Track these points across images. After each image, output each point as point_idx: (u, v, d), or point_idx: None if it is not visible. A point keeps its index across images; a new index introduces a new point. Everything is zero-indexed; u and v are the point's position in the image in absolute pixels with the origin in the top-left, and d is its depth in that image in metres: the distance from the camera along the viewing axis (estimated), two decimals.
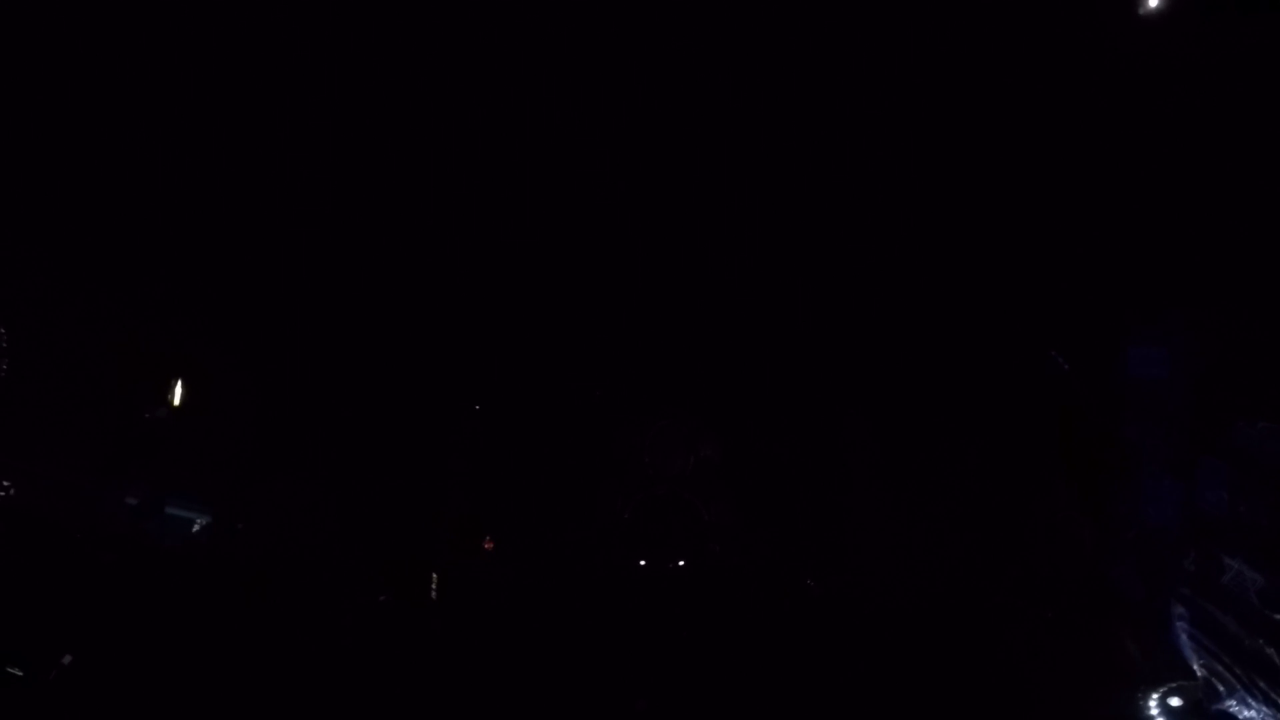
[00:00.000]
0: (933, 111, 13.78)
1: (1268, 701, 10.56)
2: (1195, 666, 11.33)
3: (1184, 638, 11.43)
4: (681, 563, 21.44)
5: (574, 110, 15.53)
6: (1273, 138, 11.71)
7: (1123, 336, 12.73)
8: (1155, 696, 11.47)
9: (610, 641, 16.46)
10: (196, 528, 17.02)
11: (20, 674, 11.39)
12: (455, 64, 15.04)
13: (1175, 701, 11.34)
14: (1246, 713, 10.78)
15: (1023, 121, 13.33)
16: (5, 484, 15.18)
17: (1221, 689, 11.01)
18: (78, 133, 14.88)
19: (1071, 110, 12.95)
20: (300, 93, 15.12)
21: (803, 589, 18.37)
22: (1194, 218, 11.91)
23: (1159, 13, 11.77)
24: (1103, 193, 12.72)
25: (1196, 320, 11.93)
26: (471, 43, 14.74)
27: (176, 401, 16.59)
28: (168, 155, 15.49)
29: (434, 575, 18.14)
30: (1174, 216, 12.07)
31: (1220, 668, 10.98)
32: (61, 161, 15.08)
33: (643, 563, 21.70)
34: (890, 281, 15.51)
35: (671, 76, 14.88)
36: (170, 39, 14.31)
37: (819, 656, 15.24)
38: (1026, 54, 12.86)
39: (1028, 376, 14.15)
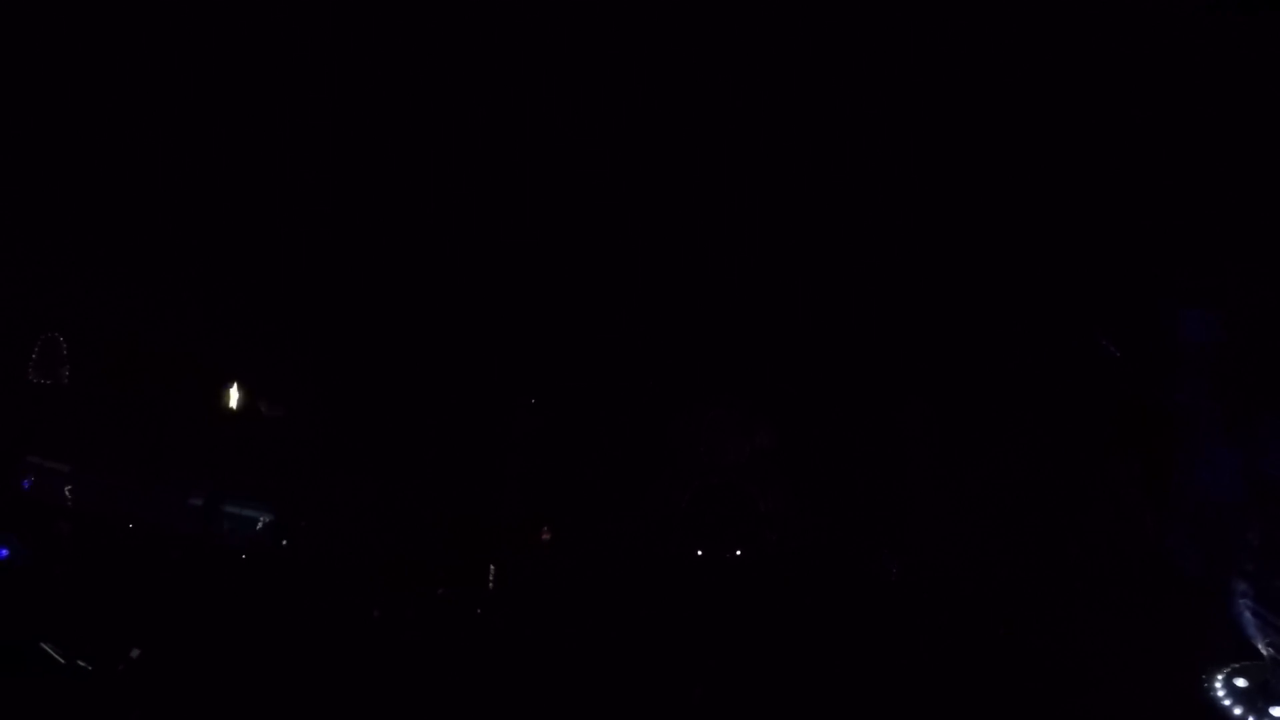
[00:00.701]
0: (980, 105, 13.34)
1: None
2: (1261, 646, 10.58)
3: (1248, 615, 10.68)
4: (739, 551, 21.30)
5: (622, 113, 15.59)
6: None
7: (1173, 297, 11.99)
8: (1220, 678, 10.75)
9: (667, 630, 16.45)
10: (260, 525, 17.72)
11: (90, 667, 11.99)
12: (504, 78, 15.27)
13: (1241, 683, 10.58)
14: None
15: (1061, 105, 12.76)
16: (70, 489, 16.14)
17: None
18: (129, 148, 15.59)
19: (1109, 87, 12.35)
20: (350, 109, 15.59)
21: (870, 574, 17.97)
22: (1240, 172, 11.14)
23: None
24: (1144, 154, 12.03)
25: (1250, 276, 11.13)
26: (513, 54, 14.96)
27: (238, 406, 17.34)
28: (226, 170, 16.12)
29: (492, 568, 18.45)
30: (1219, 173, 11.31)
31: None
32: (122, 175, 15.80)
33: (700, 552, 21.62)
34: (942, 269, 15.06)
35: (739, 78, 14.82)
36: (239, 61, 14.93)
37: (880, 637, 14.92)
38: (1057, 45, 12.34)
39: (1079, 356, 13.50)
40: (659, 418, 19.50)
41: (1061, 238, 13.05)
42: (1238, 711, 10.49)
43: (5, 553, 13.12)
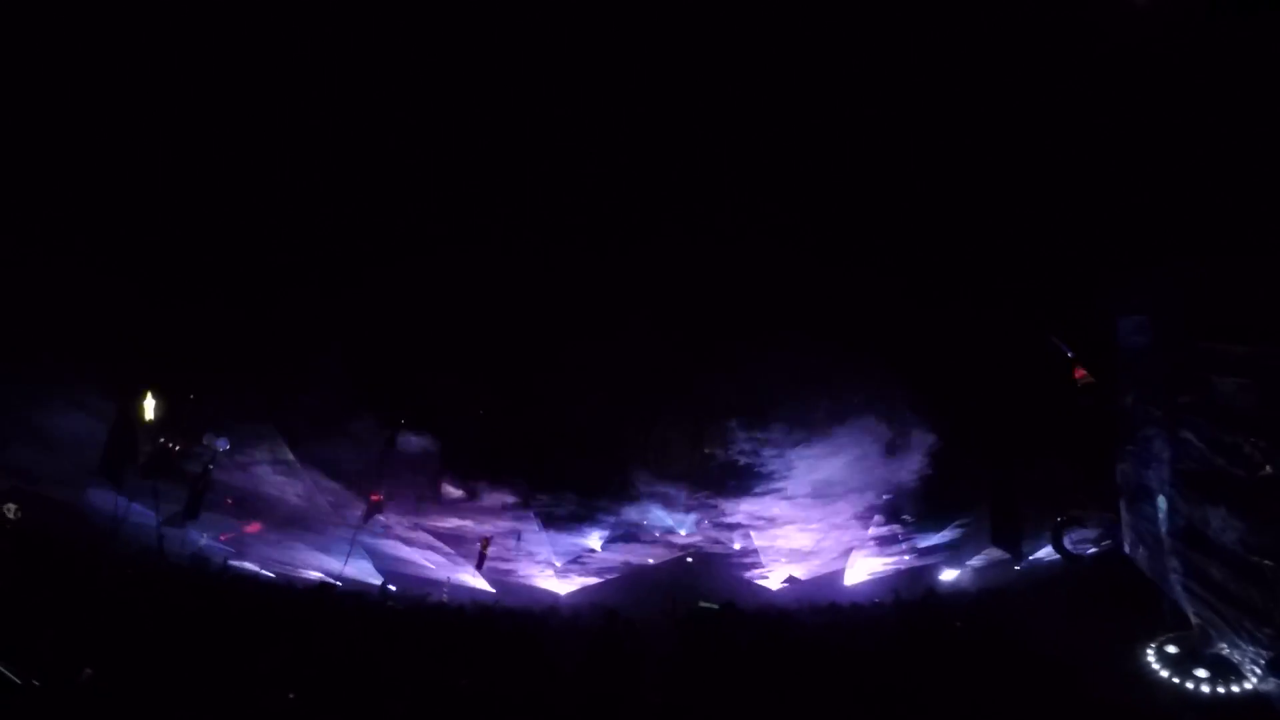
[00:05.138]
0: (926, 112, 14.19)
1: (1254, 641, 11.18)
2: (1191, 615, 11.92)
3: (1179, 589, 12.01)
4: (690, 560, 21.88)
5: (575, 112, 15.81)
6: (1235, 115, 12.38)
7: (1107, 306, 13.26)
8: (1153, 646, 12.06)
9: (621, 633, 16.82)
10: (202, 544, 17.16)
11: (39, 685, 11.38)
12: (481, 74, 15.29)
13: (1172, 649, 11.93)
14: (1237, 655, 11.39)
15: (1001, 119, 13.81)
16: (12, 506, 15.16)
17: (1214, 634, 11.62)
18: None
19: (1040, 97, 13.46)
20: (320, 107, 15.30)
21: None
22: (1177, 179, 12.45)
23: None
24: (1090, 165, 13.20)
25: (1174, 278, 12.44)
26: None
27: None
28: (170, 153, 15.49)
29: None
30: (1156, 180, 12.59)
31: (1212, 614, 11.58)
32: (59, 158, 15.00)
33: (651, 561, 22.09)
34: (896, 274, 15.93)
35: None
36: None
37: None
38: (1011, 58, 13.36)
39: (1033, 362, 14.68)
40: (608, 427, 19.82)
41: (1010, 250, 14.14)
42: (1166, 673, 11.82)
43: None
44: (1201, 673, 11.52)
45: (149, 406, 17.43)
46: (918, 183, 14.46)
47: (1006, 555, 18.71)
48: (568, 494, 22.08)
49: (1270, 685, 10.62)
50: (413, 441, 20.31)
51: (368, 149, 16.21)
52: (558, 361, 19.17)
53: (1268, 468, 11.26)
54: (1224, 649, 11.50)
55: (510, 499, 21.92)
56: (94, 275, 15.72)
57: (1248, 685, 11.21)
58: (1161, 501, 12.18)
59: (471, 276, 17.42)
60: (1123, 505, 13.10)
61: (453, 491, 21.63)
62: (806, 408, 20.39)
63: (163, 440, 17.65)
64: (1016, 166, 13.48)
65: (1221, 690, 11.23)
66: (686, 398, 20.46)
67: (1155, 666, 11.85)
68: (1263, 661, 10.69)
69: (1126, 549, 13.03)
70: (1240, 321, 11.75)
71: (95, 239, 15.96)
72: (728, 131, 15.30)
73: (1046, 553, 17.77)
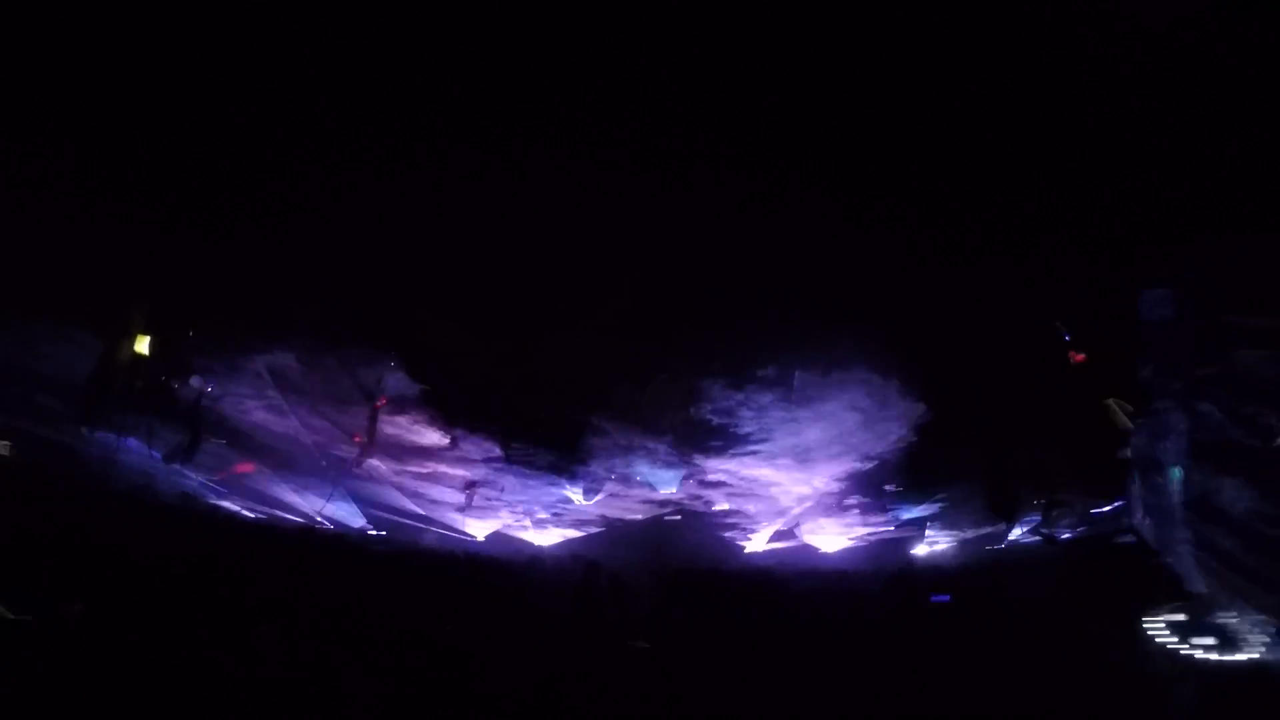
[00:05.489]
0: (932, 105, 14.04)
1: (1261, 609, 11.39)
2: (1199, 584, 12.09)
3: (1188, 559, 12.17)
4: (678, 517, 21.89)
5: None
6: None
7: (1133, 280, 13.31)
8: (1161, 615, 12.24)
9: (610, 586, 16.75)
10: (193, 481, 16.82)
11: (30, 620, 11.07)
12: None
13: (1179, 617, 12.11)
14: (1241, 624, 11.60)
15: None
16: (5, 443, 14.70)
17: (1221, 603, 11.80)
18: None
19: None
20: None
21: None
22: (1196, 161, 12.52)
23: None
24: (1107, 146, 13.21)
25: (1201, 256, 12.52)
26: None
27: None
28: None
29: None
30: (1177, 162, 12.65)
31: (1219, 584, 11.75)
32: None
33: (631, 516, 22.06)
34: (915, 252, 15.80)
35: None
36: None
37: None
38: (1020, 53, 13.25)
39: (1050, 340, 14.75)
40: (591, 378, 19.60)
41: (1034, 219, 14.08)
42: (1168, 642, 12.04)
43: None
44: (1205, 641, 11.71)
45: (138, 342, 16.94)
46: (943, 146, 14.29)
47: (988, 530, 18.95)
48: (545, 444, 21.94)
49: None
50: (396, 383, 20.05)
51: (360, 49, 15.66)
52: (544, 302, 18.87)
53: None
54: (1229, 618, 11.70)
55: (488, 446, 21.73)
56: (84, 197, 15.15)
57: (1252, 654, 11.43)
58: (1175, 473, 12.32)
59: (469, 194, 16.99)
60: (1135, 477, 13.24)
61: (433, 436, 21.38)
62: (795, 370, 20.30)
63: (150, 378, 17.16)
64: (1045, 137, 13.38)
65: (1226, 658, 11.42)
66: (671, 351, 20.27)
67: (1157, 636, 12.02)
68: (1273, 630, 10.87)
69: (1135, 520, 13.18)
70: (1265, 295, 11.88)
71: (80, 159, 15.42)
72: (748, 67, 15.00)
73: (1023, 533, 18.10)
